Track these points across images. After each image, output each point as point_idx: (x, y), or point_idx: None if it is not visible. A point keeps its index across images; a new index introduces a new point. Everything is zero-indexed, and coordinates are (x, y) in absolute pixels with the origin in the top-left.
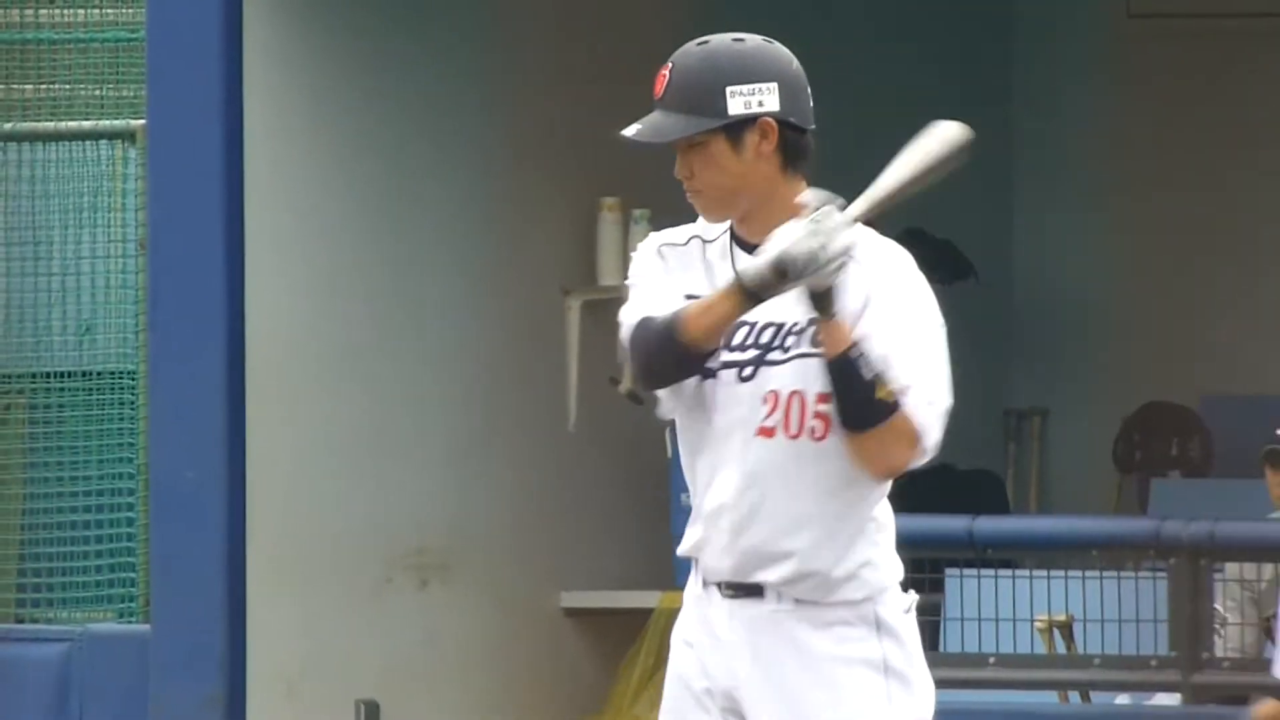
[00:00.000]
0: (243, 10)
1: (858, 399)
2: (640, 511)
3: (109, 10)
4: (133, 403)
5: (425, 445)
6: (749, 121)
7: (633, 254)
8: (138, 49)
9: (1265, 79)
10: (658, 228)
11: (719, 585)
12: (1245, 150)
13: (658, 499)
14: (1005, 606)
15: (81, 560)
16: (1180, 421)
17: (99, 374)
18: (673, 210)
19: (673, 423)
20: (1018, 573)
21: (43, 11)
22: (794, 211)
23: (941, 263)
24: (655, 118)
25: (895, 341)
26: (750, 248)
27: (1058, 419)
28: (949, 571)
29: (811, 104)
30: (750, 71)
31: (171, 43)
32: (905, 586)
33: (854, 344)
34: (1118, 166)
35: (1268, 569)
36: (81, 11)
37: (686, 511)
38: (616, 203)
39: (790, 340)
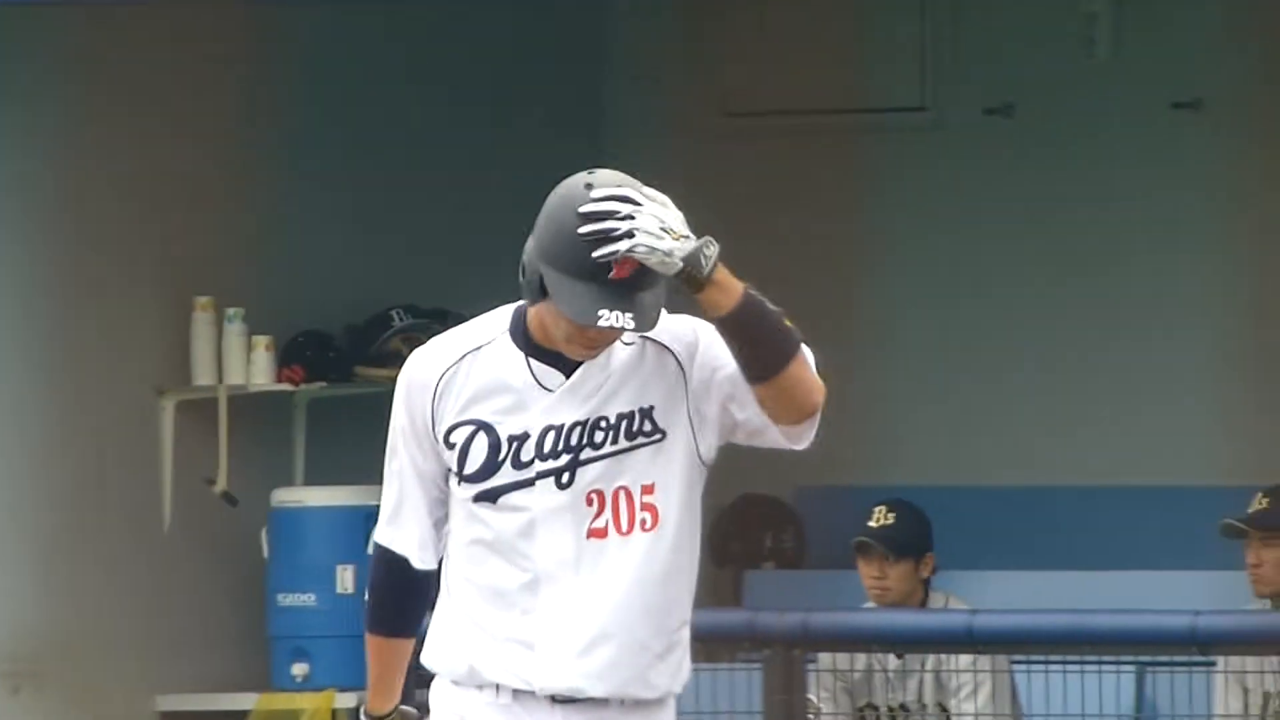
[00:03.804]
0: None
1: (772, 331)
2: (237, 612)
3: None
4: None
5: (16, 549)
6: None
7: (252, 355)
8: None
9: (846, 172)
10: (253, 327)
11: (550, 698)
12: (833, 245)
13: (254, 599)
14: None
15: None
16: (774, 513)
17: None
18: (263, 309)
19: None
20: None
21: None
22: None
23: None
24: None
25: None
26: (544, 353)
27: None
28: None
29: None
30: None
31: None
32: None
33: (744, 286)
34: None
35: (860, 659)
36: None
37: (284, 611)
38: (210, 301)
39: (599, 435)
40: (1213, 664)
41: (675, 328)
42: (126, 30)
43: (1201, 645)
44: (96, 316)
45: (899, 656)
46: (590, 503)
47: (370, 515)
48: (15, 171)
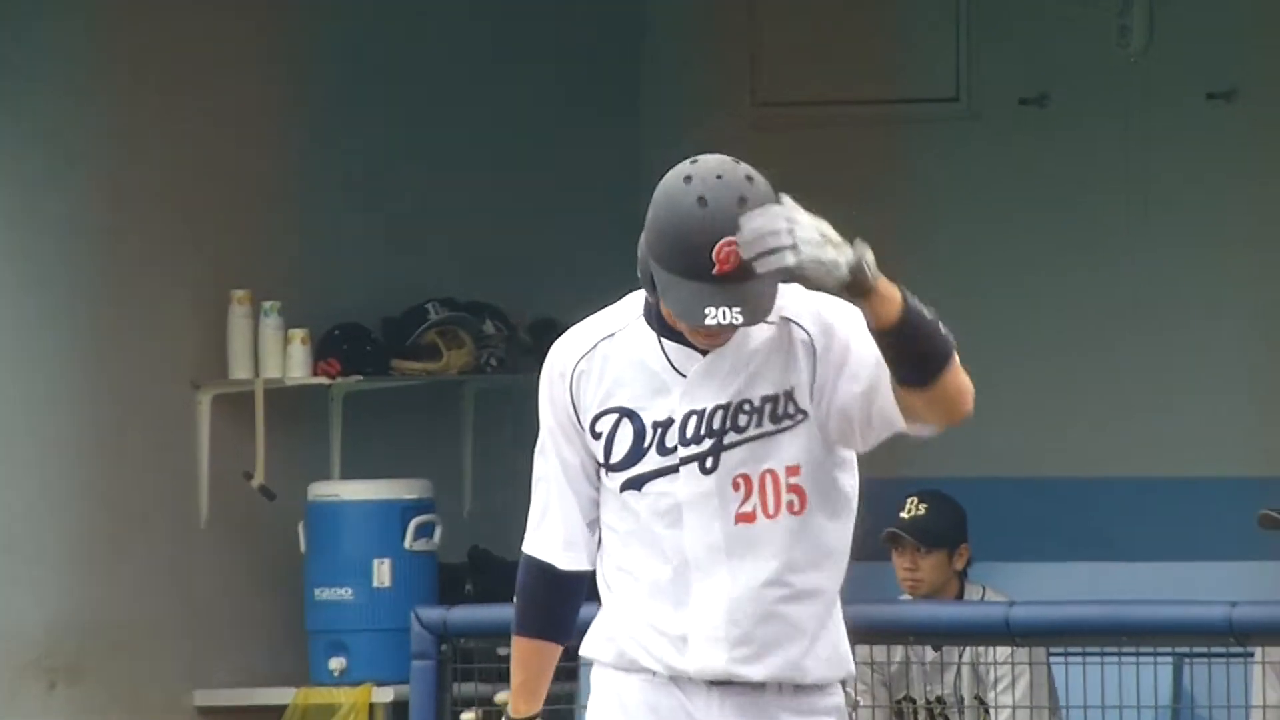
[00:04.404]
0: None
1: (931, 336)
2: (274, 607)
3: None
4: None
5: (53, 544)
6: None
7: (288, 348)
8: None
9: (878, 162)
10: (289, 320)
11: (701, 681)
12: (866, 236)
13: (292, 594)
14: None
15: None
16: None
17: None
18: (300, 302)
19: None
20: None
21: None
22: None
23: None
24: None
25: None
26: (679, 335)
27: None
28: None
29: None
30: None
31: None
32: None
33: (902, 293)
34: None
35: (898, 651)
36: None
37: (321, 606)
38: (246, 295)
39: (742, 419)
40: (1250, 655)
41: (809, 305)
42: (163, 22)
43: (1238, 636)
44: (134, 310)
45: (936, 649)
46: (737, 487)
47: (407, 508)
48: (51, 165)
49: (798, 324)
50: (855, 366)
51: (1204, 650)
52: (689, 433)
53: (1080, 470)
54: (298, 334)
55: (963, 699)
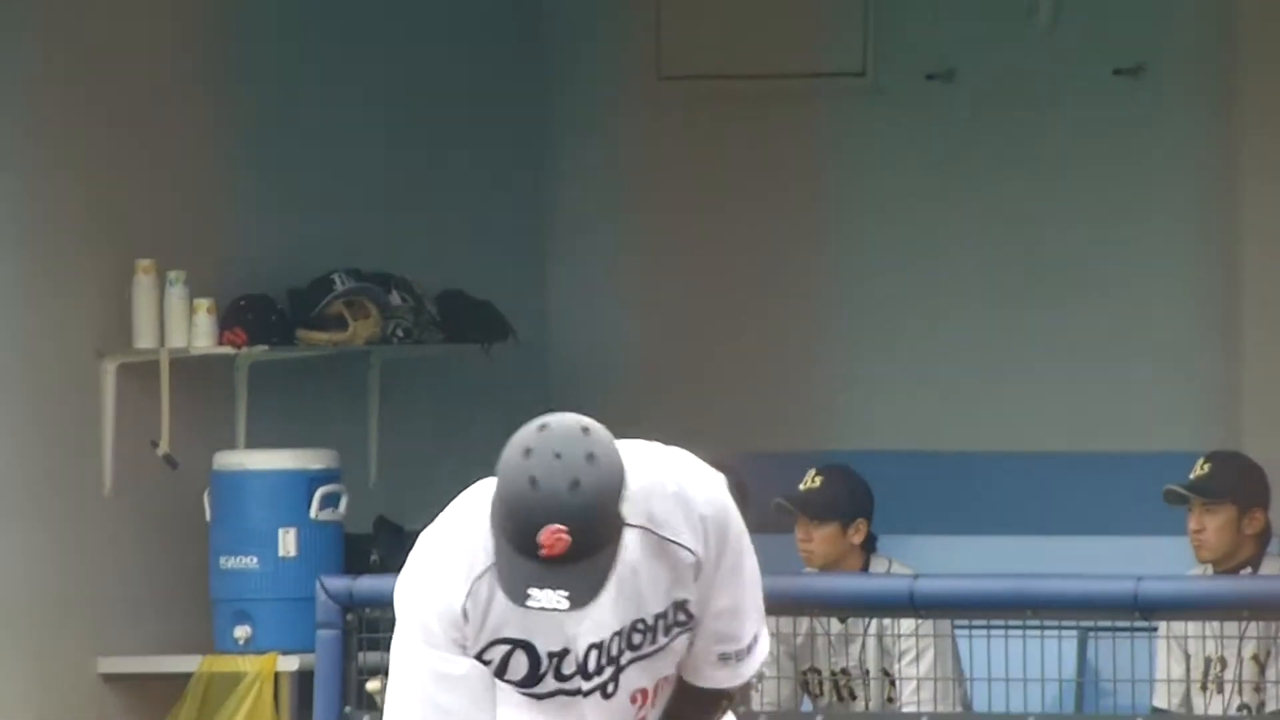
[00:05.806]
0: None
1: None
2: (179, 575)
3: None
4: None
5: None
6: None
7: (194, 318)
8: None
9: (783, 137)
10: (194, 290)
11: None
12: (770, 211)
13: (197, 562)
14: None
15: None
16: None
17: None
18: (205, 271)
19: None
20: None
21: None
22: None
23: (480, 325)
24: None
25: (737, 611)
26: None
27: None
28: None
29: None
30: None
31: None
32: None
33: None
34: (654, 226)
35: (804, 623)
36: None
37: (226, 574)
38: (151, 264)
39: (636, 638)
40: (1154, 629)
41: (685, 518)
42: None
43: (1143, 610)
44: (37, 279)
45: (841, 621)
46: (634, 700)
47: (313, 478)
48: None
49: (679, 544)
50: (723, 599)
51: (1109, 624)
52: (590, 666)
53: (988, 445)
54: (203, 304)
55: (868, 671)
